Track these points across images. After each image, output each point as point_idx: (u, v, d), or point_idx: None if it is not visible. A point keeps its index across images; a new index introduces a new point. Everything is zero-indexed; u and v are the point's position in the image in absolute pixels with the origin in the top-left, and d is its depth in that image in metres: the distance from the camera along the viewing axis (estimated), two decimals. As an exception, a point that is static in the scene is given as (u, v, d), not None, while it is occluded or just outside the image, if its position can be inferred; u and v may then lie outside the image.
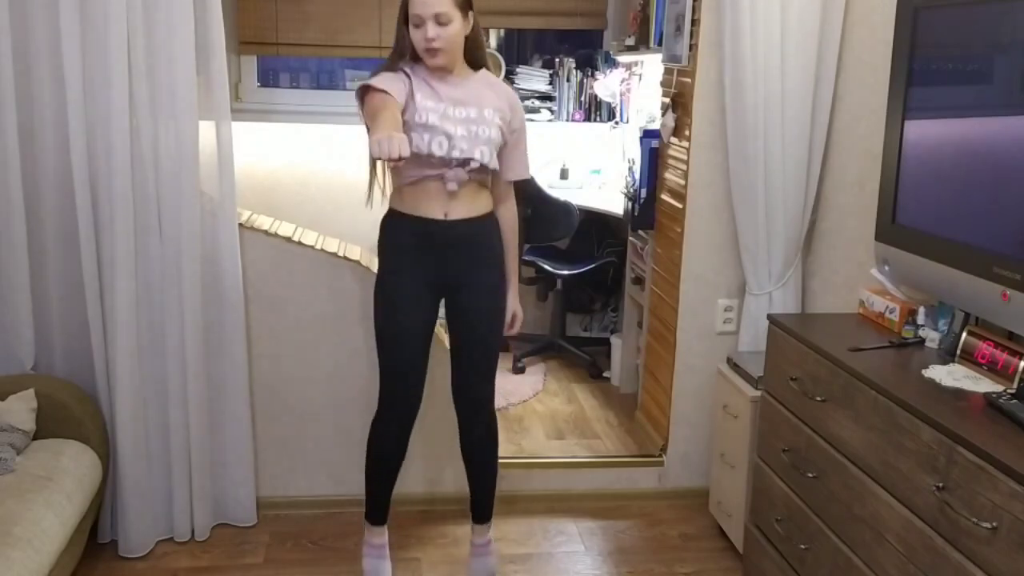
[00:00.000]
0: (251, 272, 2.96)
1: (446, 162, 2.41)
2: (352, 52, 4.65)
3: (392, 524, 2.96)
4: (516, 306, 2.70)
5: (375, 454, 2.69)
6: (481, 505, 2.83)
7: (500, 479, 3.27)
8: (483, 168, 2.46)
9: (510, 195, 2.67)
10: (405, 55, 2.46)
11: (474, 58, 2.51)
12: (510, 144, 2.56)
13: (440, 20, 2.34)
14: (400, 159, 2.07)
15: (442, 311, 2.65)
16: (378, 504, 2.75)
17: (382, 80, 2.36)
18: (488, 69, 2.56)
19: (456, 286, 2.57)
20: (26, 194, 2.70)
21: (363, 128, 2.50)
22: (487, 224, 2.57)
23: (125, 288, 2.72)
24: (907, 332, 2.31)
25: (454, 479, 3.19)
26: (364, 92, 2.34)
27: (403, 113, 2.35)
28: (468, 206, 2.50)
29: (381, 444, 2.67)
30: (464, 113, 2.44)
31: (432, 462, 3.15)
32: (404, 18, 2.41)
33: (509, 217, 2.66)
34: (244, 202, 2.98)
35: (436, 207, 2.47)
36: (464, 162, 2.42)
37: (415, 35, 2.38)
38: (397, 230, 2.54)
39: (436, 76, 2.45)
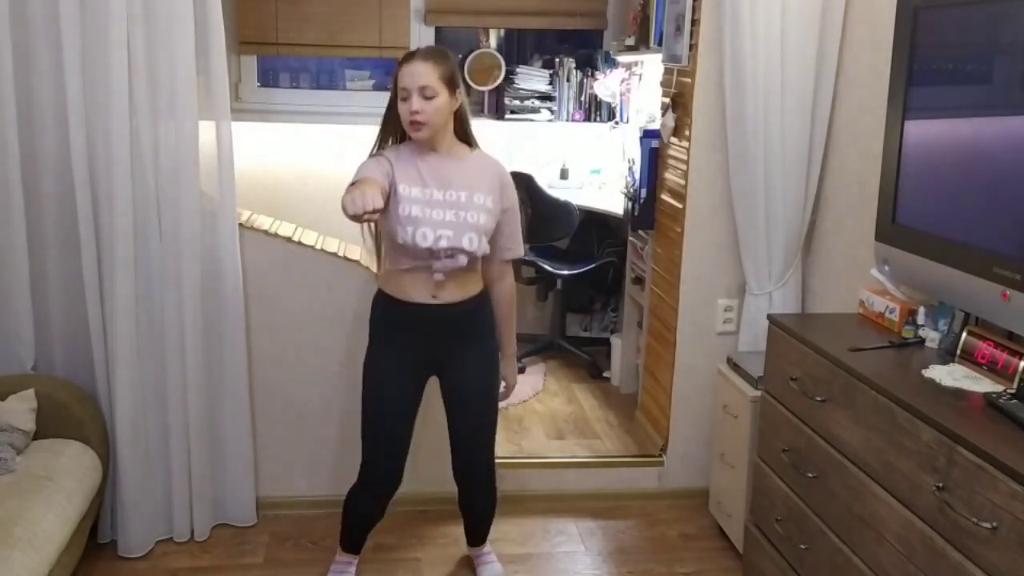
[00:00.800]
0: (251, 272, 2.96)
1: (433, 254, 2.40)
2: (352, 52, 4.65)
3: (392, 524, 2.96)
4: (512, 378, 2.71)
5: (350, 517, 2.70)
6: (476, 534, 2.88)
7: (500, 479, 3.27)
8: (471, 257, 2.44)
9: (506, 273, 2.63)
10: (391, 129, 2.48)
11: (464, 135, 2.51)
12: (502, 224, 2.53)
13: (425, 94, 2.34)
14: (375, 211, 2.10)
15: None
16: (355, 541, 2.77)
17: (365, 170, 2.37)
18: (477, 146, 2.55)
19: (446, 363, 2.56)
20: (26, 194, 2.70)
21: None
22: (477, 302, 2.55)
23: (125, 288, 2.72)
24: (907, 332, 2.31)
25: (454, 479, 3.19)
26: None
27: (385, 204, 2.35)
28: (457, 290, 2.48)
29: (356, 511, 2.69)
30: (453, 196, 2.42)
31: (432, 462, 3.14)
32: (394, 90, 2.42)
33: (506, 294, 2.64)
34: (244, 202, 2.98)
35: (424, 292, 2.46)
36: (452, 254, 2.40)
37: (401, 108, 2.38)
38: (386, 311, 2.55)
39: (423, 155, 2.44)
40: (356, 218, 2.14)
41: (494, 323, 2.63)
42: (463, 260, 2.43)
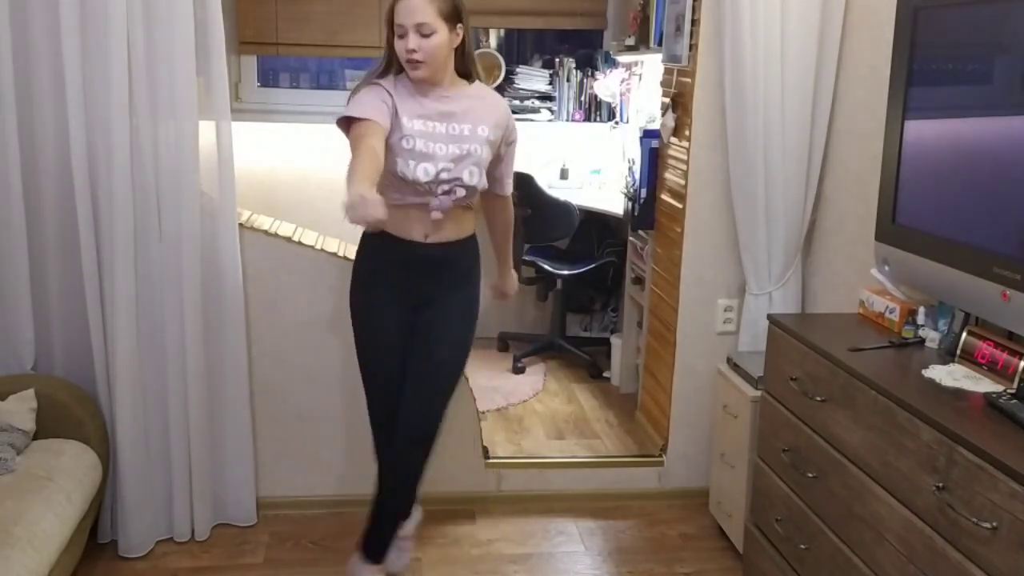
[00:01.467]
0: (251, 272, 2.96)
1: (431, 189, 2.34)
2: (352, 52, 4.66)
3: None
4: (511, 286, 2.69)
5: (387, 474, 2.59)
6: (402, 515, 2.72)
7: (501, 479, 3.28)
8: (470, 192, 2.39)
9: (507, 204, 2.62)
10: (392, 63, 2.37)
11: (465, 70, 2.42)
12: (505, 157, 2.50)
13: (422, 31, 2.25)
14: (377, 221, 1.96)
15: None
16: (380, 540, 2.61)
17: (363, 104, 2.26)
18: (480, 80, 2.47)
19: (425, 304, 2.48)
20: (26, 194, 2.70)
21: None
22: (467, 246, 2.50)
23: (125, 288, 2.72)
24: (907, 332, 2.31)
25: (454, 479, 3.19)
26: (348, 122, 2.26)
27: (388, 136, 2.28)
28: (451, 230, 2.43)
29: (384, 461, 2.59)
30: (456, 129, 2.36)
31: (431, 462, 3.14)
32: (390, 25, 2.32)
33: (507, 222, 2.65)
34: (244, 202, 2.98)
35: (417, 230, 2.39)
36: (450, 190, 2.35)
37: (398, 45, 2.30)
38: (377, 250, 2.46)
39: (423, 89, 2.36)
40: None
41: (477, 274, 2.55)
42: (461, 193, 2.36)
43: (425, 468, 2.60)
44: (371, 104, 2.28)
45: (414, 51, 2.26)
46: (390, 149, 2.30)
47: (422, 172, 2.31)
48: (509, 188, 2.60)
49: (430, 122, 2.34)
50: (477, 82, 2.47)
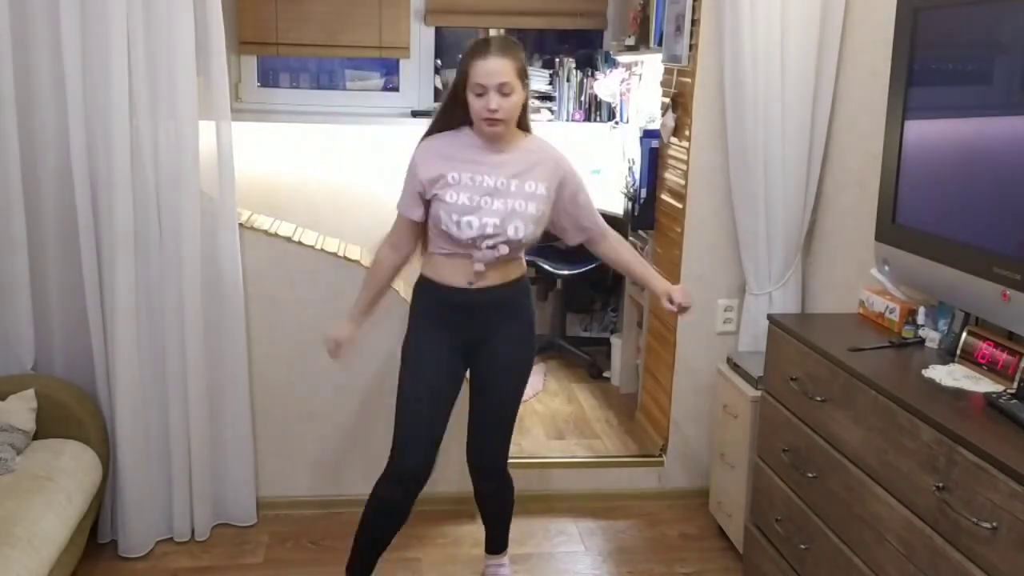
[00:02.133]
0: (251, 272, 2.96)
1: (475, 243, 2.36)
2: (352, 52, 4.65)
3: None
4: (679, 295, 2.50)
5: (374, 518, 2.53)
6: (495, 542, 2.84)
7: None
8: (514, 246, 2.39)
9: (606, 235, 2.61)
10: (451, 118, 2.40)
11: (522, 122, 2.44)
12: (580, 208, 2.51)
13: (503, 91, 2.26)
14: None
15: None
16: (364, 564, 2.60)
17: (402, 198, 2.44)
18: (530, 131, 2.47)
19: (482, 342, 2.49)
20: (26, 194, 2.70)
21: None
22: (515, 288, 2.50)
23: (125, 288, 2.72)
24: (907, 332, 2.31)
25: (454, 479, 3.19)
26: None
27: (432, 190, 2.36)
28: (496, 277, 2.43)
29: (384, 509, 2.51)
30: (504, 184, 2.35)
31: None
32: (463, 83, 2.32)
33: (617, 247, 2.63)
34: (244, 202, 2.98)
35: (462, 278, 2.41)
36: (495, 245, 2.35)
37: (475, 103, 2.29)
38: (425, 296, 2.50)
39: (482, 143, 2.38)
40: None
41: (531, 310, 2.56)
42: (504, 250, 2.37)
43: (511, 501, 2.77)
44: (406, 198, 2.44)
45: (496, 111, 2.28)
46: (435, 205, 2.36)
47: (466, 226, 2.33)
48: (602, 225, 2.59)
49: (478, 176, 2.35)
50: (533, 135, 2.47)
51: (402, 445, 2.47)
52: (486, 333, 2.49)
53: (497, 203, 2.34)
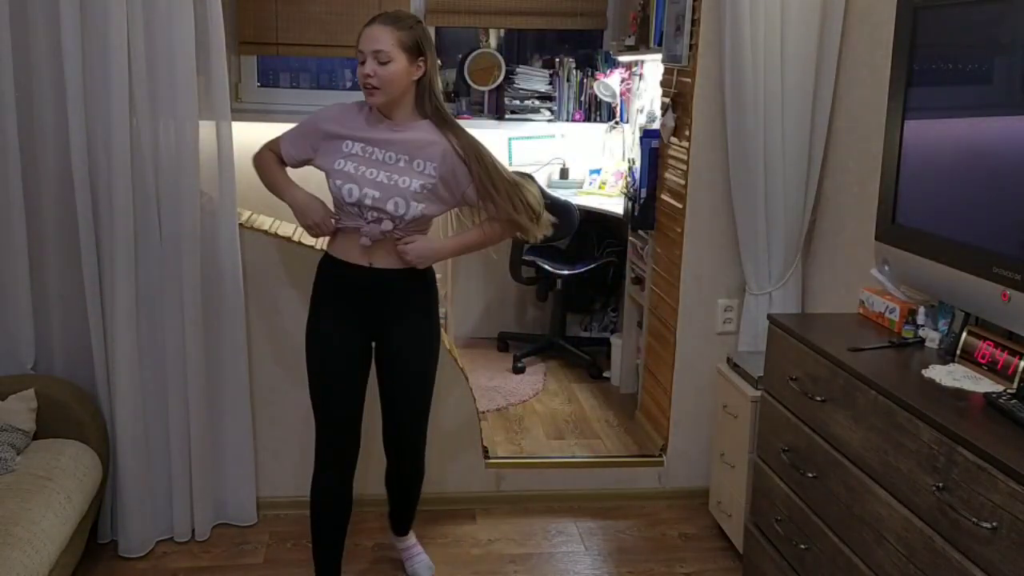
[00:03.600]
0: (251, 272, 2.96)
1: (361, 214, 2.38)
2: (352, 52, 4.61)
3: (387, 525, 2.96)
4: (423, 246, 2.46)
5: (319, 513, 2.55)
6: (402, 521, 2.84)
7: (501, 479, 3.27)
8: (397, 222, 2.38)
9: (498, 224, 2.52)
10: None
11: (422, 107, 2.42)
12: (482, 198, 2.44)
13: (380, 58, 2.31)
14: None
15: None
16: (325, 562, 2.59)
17: (288, 134, 2.53)
18: (444, 121, 2.44)
19: (382, 332, 2.50)
20: (26, 194, 2.70)
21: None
22: (415, 277, 2.48)
23: (125, 288, 2.72)
24: (907, 332, 2.31)
25: (454, 479, 3.19)
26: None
27: (322, 148, 2.44)
28: (390, 257, 2.43)
29: (321, 499, 2.54)
30: (392, 158, 2.38)
31: (431, 462, 3.14)
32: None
33: (493, 229, 2.54)
34: (244, 202, 2.98)
35: (360, 255, 2.43)
36: (377, 218, 2.37)
37: (359, 70, 2.37)
38: (327, 274, 2.52)
39: (378, 117, 2.42)
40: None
41: (433, 299, 2.56)
42: (388, 226, 2.38)
43: (418, 485, 2.74)
44: (295, 136, 2.52)
45: (369, 76, 2.33)
46: (328, 171, 2.42)
47: (347, 192, 2.37)
48: (508, 214, 2.46)
49: (369, 147, 2.40)
50: (430, 122, 2.43)
51: (324, 433, 2.52)
52: (386, 322, 2.49)
53: (382, 175, 2.38)
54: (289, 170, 2.53)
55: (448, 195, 2.45)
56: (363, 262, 2.43)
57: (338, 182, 2.38)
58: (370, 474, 2.77)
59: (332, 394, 2.51)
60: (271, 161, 2.52)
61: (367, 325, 2.49)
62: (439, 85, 2.46)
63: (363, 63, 2.34)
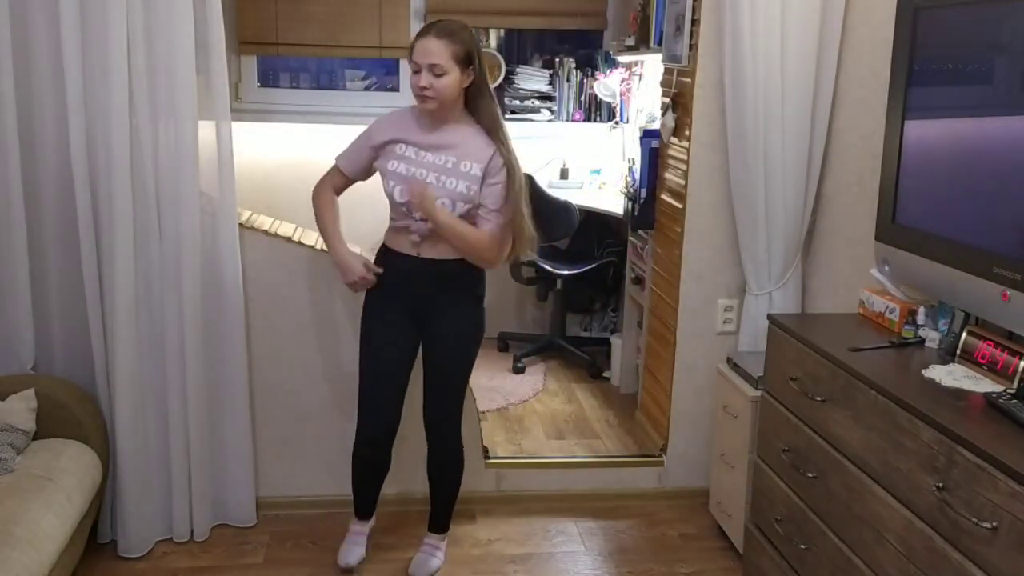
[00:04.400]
0: (251, 272, 2.96)
1: (410, 213, 2.53)
2: (352, 52, 4.65)
3: (391, 524, 2.96)
4: (434, 207, 2.49)
5: (359, 474, 2.83)
6: (439, 518, 2.91)
7: (500, 479, 3.27)
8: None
9: (487, 233, 2.57)
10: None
11: (475, 108, 2.56)
12: (487, 194, 2.54)
13: (435, 71, 2.42)
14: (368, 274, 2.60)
15: None
16: (364, 502, 2.89)
17: (346, 151, 2.67)
18: (496, 128, 2.55)
19: (428, 318, 2.65)
20: (26, 194, 2.70)
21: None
22: (460, 264, 2.60)
23: (125, 288, 2.72)
24: (907, 332, 2.31)
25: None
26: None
27: (380, 155, 2.59)
28: (440, 250, 2.57)
29: (363, 467, 2.81)
30: (441, 160, 2.53)
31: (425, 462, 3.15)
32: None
33: (477, 233, 2.57)
34: (244, 202, 2.98)
35: (409, 246, 2.59)
36: (424, 218, 2.51)
37: (412, 79, 2.48)
38: (381, 261, 2.66)
39: (428, 122, 2.56)
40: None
41: (481, 287, 2.69)
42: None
43: (459, 472, 2.86)
44: (351, 152, 2.67)
45: (426, 88, 2.45)
46: (382, 170, 2.60)
47: (398, 193, 2.53)
48: (483, 224, 2.55)
49: (421, 151, 2.55)
50: (479, 127, 2.56)
51: (365, 411, 2.72)
52: (433, 308, 2.64)
53: (431, 177, 2.53)
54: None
55: (478, 195, 2.56)
56: (411, 252, 2.59)
57: (391, 183, 2.54)
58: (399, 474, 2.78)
59: (379, 379, 2.68)
60: (327, 204, 2.67)
61: (413, 312, 2.65)
62: (490, 89, 2.58)
63: (417, 72, 2.45)
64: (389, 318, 2.66)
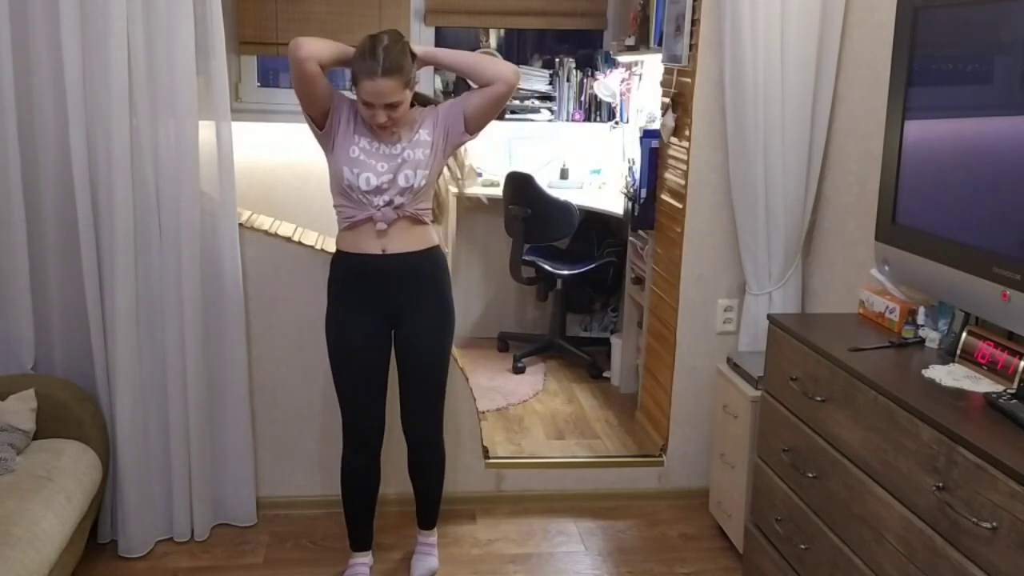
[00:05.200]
0: (251, 272, 2.96)
1: (371, 201, 2.48)
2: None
3: (392, 524, 2.96)
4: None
5: (349, 487, 2.73)
6: (427, 514, 2.89)
7: (501, 479, 3.27)
8: (411, 194, 2.50)
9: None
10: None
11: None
12: (464, 108, 2.54)
13: (390, 107, 2.39)
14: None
15: None
16: (359, 533, 2.80)
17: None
18: (428, 99, 2.62)
19: (401, 317, 2.61)
20: (26, 194, 2.70)
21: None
22: (428, 257, 2.59)
23: (125, 288, 2.72)
24: (907, 332, 2.31)
25: (454, 479, 3.19)
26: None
27: (332, 135, 2.50)
28: (404, 241, 2.54)
29: (352, 476, 2.72)
30: (397, 149, 2.49)
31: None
32: (354, 82, 2.41)
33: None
34: (244, 202, 2.98)
35: (373, 244, 2.53)
36: (390, 200, 2.48)
37: (364, 112, 2.43)
38: (341, 267, 2.61)
39: None
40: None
41: (446, 286, 2.66)
42: (399, 200, 2.49)
43: (441, 472, 2.81)
44: (342, 96, 2.53)
45: (385, 123, 2.42)
46: (336, 159, 2.50)
47: (363, 181, 2.47)
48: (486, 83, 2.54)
49: (373, 142, 2.50)
50: (419, 108, 2.57)
51: (349, 417, 2.67)
52: (404, 307, 2.60)
53: (391, 164, 2.48)
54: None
55: (442, 140, 2.53)
56: (376, 250, 2.53)
57: (355, 170, 2.47)
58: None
59: (355, 383, 2.63)
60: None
61: (385, 312, 2.60)
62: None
63: (369, 107, 2.39)
64: (360, 320, 2.59)
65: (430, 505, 2.87)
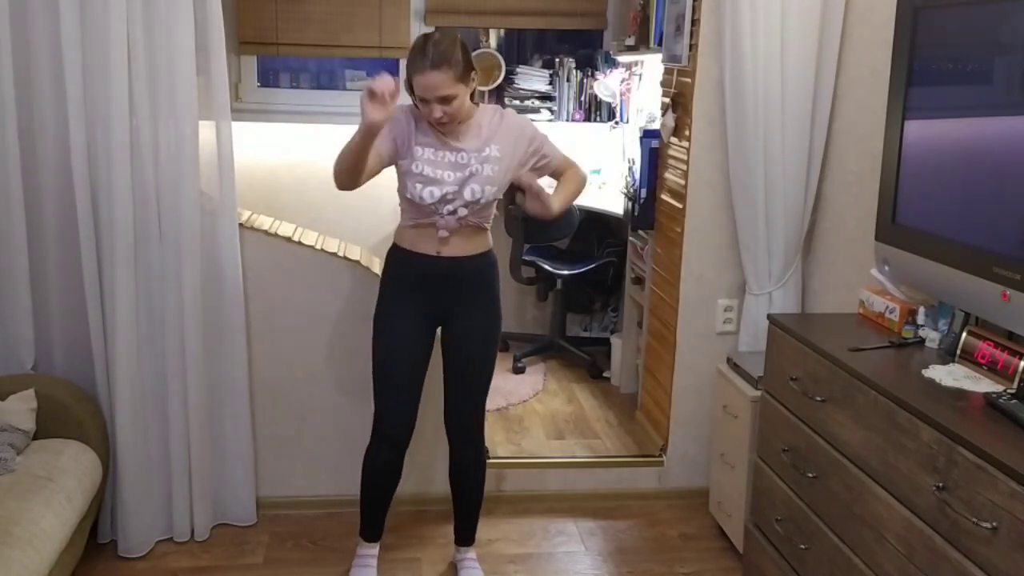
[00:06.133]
0: (251, 272, 2.96)
1: (436, 210, 2.49)
2: (352, 52, 4.65)
3: (391, 524, 2.96)
4: (544, 200, 2.54)
5: (370, 480, 2.71)
6: (465, 531, 2.86)
7: (501, 479, 3.27)
8: (472, 208, 2.50)
9: (570, 168, 2.73)
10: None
11: (472, 98, 2.51)
12: (547, 161, 2.63)
13: (446, 102, 2.36)
14: (393, 90, 2.19)
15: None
16: (372, 523, 2.80)
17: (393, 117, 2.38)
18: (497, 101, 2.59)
19: (450, 316, 2.62)
20: (26, 194, 2.70)
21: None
22: (482, 261, 2.61)
23: (125, 288, 2.72)
24: (907, 332, 2.31)
25: (454, 479, 3.19)
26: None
27: (398, 158, 2.47)
28: (462, 246, 2.56)
29: (376, 470, 2.69)
30: (464, 158, 2.48)
31: (431, 462, 3.15)
32: (410, 86, 2.40)
33: (570, 175, 2.75)
34: (244, 202, 2.98)
35: (430, 246, 2.55)
36: (454, 210, 2.48)
37: (422, 108, 2.41)
38: (397, 263, 2.62)
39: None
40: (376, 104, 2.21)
41: (497, 288, 2.67)
42: (464, 212, 2.50)
43: (482, 479, 2.80)
44: (395, 120, 2.44)
45: (440, 117, 2.39)
46: (402, 173, 2.50)
47: (428, 194, 2.47)
48: (567, 162, 2.71)
49: (439, 151, 2.48)
50: (486, 106, 2.58)
51: (382, 411, 2.64)
52: (454, 306, 2.61)
53: (457, 174, 2.48)
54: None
55: (516, 164, 2.54)
56: (432, 251, 2.55)
57: (418, 186, 2.47)
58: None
59: (395, 378, 2.62)
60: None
61: (434, 311, 2.61)
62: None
63: (425, 103, 2.38)
64: (408, 317, 2.60)
65: (470, 516, 2.83)
